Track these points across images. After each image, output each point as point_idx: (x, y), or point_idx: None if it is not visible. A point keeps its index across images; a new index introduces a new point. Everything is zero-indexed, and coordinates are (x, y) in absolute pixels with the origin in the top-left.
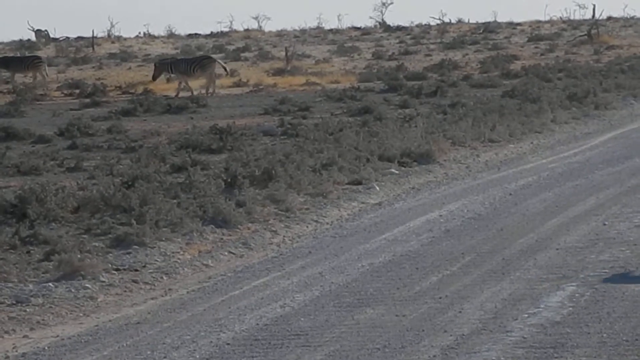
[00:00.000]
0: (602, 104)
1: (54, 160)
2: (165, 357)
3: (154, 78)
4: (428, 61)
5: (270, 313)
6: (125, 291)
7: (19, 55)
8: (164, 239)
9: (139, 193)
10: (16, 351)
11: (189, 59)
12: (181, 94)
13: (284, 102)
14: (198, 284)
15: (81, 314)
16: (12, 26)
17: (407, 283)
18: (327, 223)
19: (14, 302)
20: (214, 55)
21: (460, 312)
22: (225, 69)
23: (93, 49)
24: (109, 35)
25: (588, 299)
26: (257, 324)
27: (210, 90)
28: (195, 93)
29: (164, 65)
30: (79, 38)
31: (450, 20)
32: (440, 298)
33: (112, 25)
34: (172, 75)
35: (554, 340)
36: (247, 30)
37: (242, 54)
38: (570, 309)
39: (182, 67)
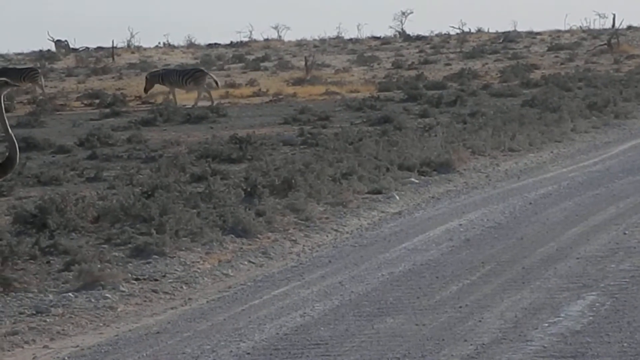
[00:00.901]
0: (622, 113)
1: (74, 170)
2: None
3: (146, 91)
4: (448, 70)
5: (290, 322)
6: (145, 301)
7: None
8: (183, 248)
9: (158, 203)
10: None
11: (180, 70)
12: (200, 104)
13: (303, 112)
14: (218, 294)
15: (101, 324)
16: (32, 37)
17: (427, 292)
18: (347, 232)
19: (34, 312)
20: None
21: (480, 321)
22: (216, 82)
23: (113, 59)
24: (128, 46)
25: (608, 308)
26: (277, 334)
27: (207, 102)
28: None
29: (155, 77)
30: (99, 48)
31: (470, 29)
32: (460, 307)
33: (132, 36)
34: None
35: (574, 349)
36: (266, 40)
37: (262, 64)
38: (591, 318)
39: (173, 78)
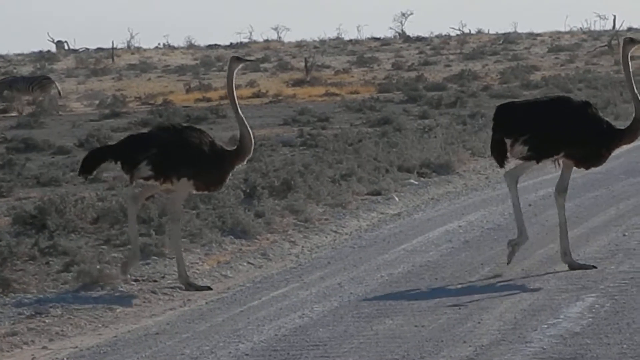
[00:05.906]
0: (622, 114)
1: (73, 171)
2: None
3: None
4: (448, 72)
5: (289, 324)
6: (144, 302)
7: None
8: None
9: (157, 204)
10: None
11: (28, 77)
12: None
13: (303, 113)
14: (217, 295)
15: (100, 325)
16: (32, 38)
17: (426, 294)
18: (346, 234)
19: (33, 313)
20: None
21: (479, 322)
22: (59, 91)
23: (113, 60)
24: (128, 47)
25: (608, 309)
26: (276, 335)
27: (52, 109)
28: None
29: (4, 85)
30: (99, 49)
31: (470, 30)
32: (459, 309)
33: (132, 37)
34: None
35: (573, 351)
36: (266, 41)
37: (262, 65)
38: (590, 319)
39: (20, 85)
